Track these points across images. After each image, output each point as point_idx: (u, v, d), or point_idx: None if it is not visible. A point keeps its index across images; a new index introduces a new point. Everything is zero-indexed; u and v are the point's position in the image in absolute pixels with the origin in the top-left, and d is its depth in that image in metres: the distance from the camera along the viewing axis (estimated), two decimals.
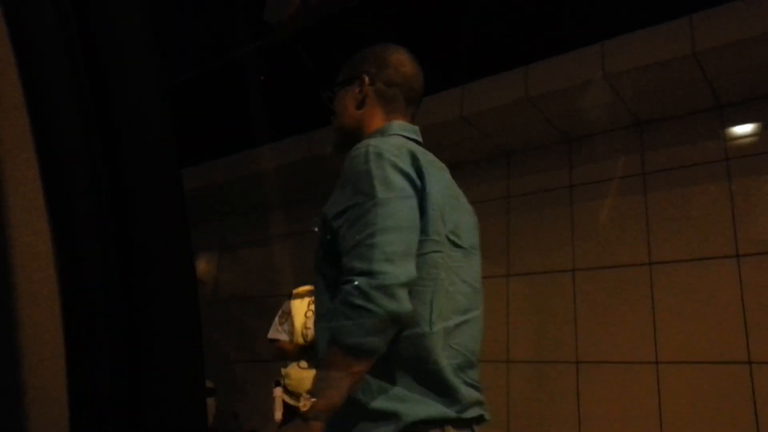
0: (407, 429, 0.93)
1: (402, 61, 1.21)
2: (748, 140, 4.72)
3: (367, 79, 1.20)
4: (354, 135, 1.22)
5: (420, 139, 1.19)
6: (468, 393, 1.03)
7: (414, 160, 1.04)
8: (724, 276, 4.48)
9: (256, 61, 5.32)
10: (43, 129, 0.52)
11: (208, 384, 6.45)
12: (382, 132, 1.16)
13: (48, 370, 0.49)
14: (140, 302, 0.56)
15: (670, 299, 4.66)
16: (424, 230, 0.99)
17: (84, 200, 0.54)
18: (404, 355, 0.96)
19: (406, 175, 1.00)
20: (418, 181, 1.01)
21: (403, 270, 0.90)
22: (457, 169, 6.63)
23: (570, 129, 5.32)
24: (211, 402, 6.55)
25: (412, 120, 1.22)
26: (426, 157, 1.10)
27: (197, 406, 0.59)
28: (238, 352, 7.52)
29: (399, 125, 1.17)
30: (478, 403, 1.08)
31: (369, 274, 0.87)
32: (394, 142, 1.06)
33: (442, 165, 1.15)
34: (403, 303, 0.90)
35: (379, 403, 0.92)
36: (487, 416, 1.10)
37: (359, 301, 0.87)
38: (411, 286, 0.92)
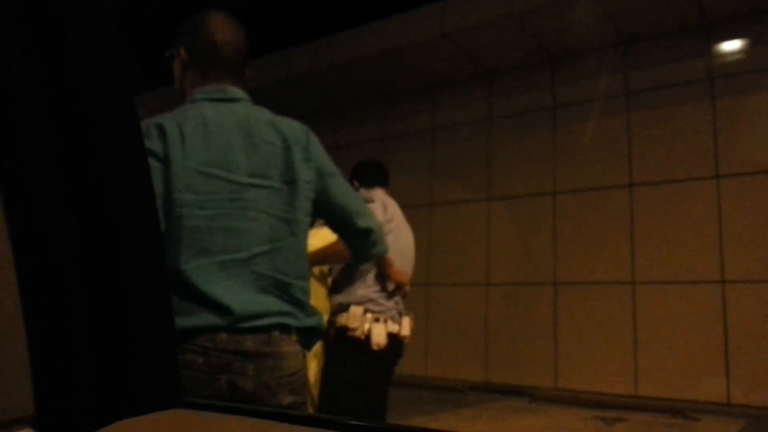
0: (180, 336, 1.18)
1: (212, 30, 1.35)
2: (733, 58, 4.62)
3: (182, 52, 1.36)
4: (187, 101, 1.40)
5: (228, 96, 1.35)
6: (258, 305, 1.24)
7: (161, 134, 1.24)
8: (703, 197, 4.49)
9: None
10: None
11: None
12: (190, 100, 1.34)
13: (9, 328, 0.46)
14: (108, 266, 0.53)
15: (649, 220, 4.69)
16: (175, 189, 1.21)
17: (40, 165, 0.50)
18: (179, 285, 1.22)
19: (147, 153, 1.30)
20: (162, 153, 1.23)
21: None
22: (437, 91, 6.43)
23: (555, 47, 5.16)
24: None
25: (229, 79, 1.37)
26: (191, 123, 1.27)
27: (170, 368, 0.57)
28: None
29: (204, 90, 1.34)
30: (281, 314, 1.27)
31: None
32: (153, 121, 1.26)
33: (228, 115, 1.33)
34: None
35: None
36: (293, 323, 1.29)
37: None
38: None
